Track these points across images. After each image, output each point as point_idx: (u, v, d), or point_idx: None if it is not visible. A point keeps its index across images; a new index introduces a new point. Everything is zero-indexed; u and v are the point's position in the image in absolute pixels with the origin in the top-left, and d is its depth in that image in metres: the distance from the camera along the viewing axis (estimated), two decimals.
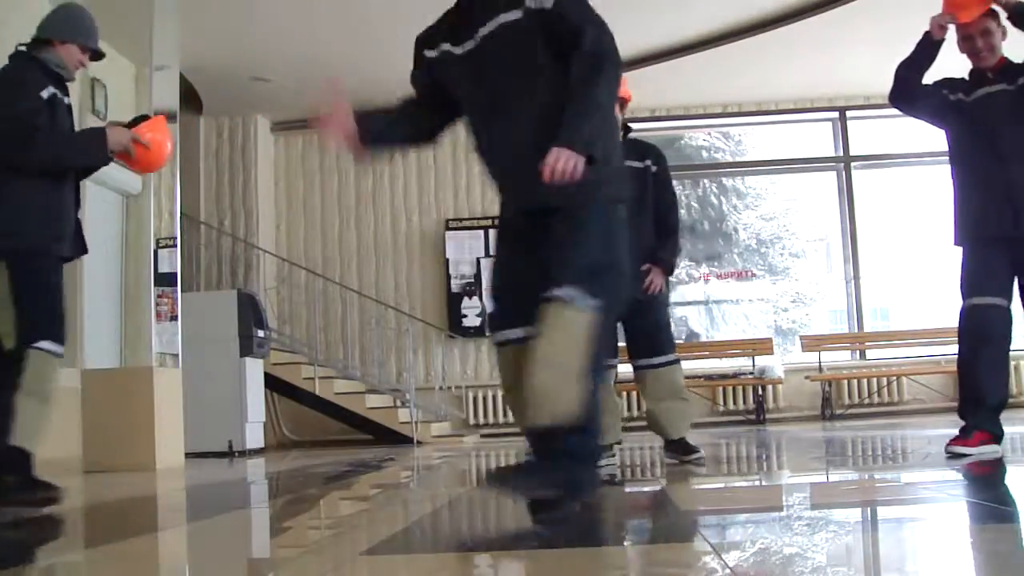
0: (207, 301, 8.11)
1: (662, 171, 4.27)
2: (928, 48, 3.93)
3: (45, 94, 3.61)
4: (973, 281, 3.83)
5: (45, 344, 3.49)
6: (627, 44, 9.13)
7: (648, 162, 4.23)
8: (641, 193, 4.08)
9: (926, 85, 3.95)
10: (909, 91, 3.95)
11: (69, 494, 3.46)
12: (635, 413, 9.03)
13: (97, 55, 3.95)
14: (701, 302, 11.49)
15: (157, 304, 6.21)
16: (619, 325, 4.13)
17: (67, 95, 3.81)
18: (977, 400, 3.75)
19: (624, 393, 8.65)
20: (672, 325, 4.33)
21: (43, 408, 3.49)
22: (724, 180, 12.30)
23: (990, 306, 3.77)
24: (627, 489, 3.55)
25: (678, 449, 4.15)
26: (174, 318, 6.28)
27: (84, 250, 3.83)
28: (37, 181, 3.57)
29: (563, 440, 2.17)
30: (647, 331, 4.18)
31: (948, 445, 3.73)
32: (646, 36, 8.49)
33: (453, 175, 10.23)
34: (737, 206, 12.42)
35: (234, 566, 2.02)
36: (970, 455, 3.62)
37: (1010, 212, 3.75)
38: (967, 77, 3.92)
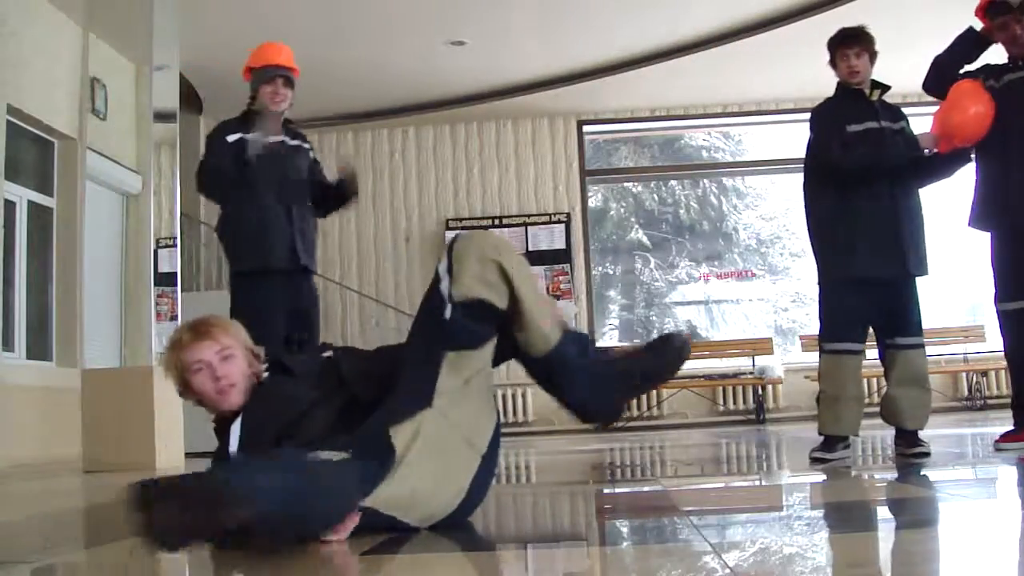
0: (207, 301, 8.10)
1: (910, 130, 3.93)
2: (969, 44, 3.88)
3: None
4: (998, 282, 3.85)
5: None
6: (628, 44, 9.09)
7: (903, 123, 3.91)
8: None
9: (965, 73, 3.90)
10: (942, 83, 3.88)
11: (69, 494, 3.46)
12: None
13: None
14: (701, 302, 11.49)
15: (157, 304, 6.21)
16: (865, 304, 3.82)
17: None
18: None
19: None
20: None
21: None
22: (724, 180, 12.31)
23: (1015, 311, 3.79)
24: (626, 489, 3.55)
25: (906, 440, 3.83)
26: (174, 318, 6.28)
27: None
28: None
29: None
30: (909, 308, 3.84)
31: (997, 441, 3.79)
32: (646, 36, 8.49)
33: (453, 175, 10.24)
34: (737, 206, 12.43)
35: (234, 566, 2.02)
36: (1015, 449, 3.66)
37: (1002, 206, 3.75)
38: (1007, 61, 3.87)
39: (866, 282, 3.77)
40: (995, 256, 3.87)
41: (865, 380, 9.00)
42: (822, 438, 3.86)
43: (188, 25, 6.82)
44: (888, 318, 3.83)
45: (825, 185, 3.85)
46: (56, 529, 2.82)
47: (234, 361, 2.33)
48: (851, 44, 3.86)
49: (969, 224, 3.93)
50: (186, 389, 2.35)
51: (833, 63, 3.92)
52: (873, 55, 3.88)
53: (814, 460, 3.80)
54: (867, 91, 3.87)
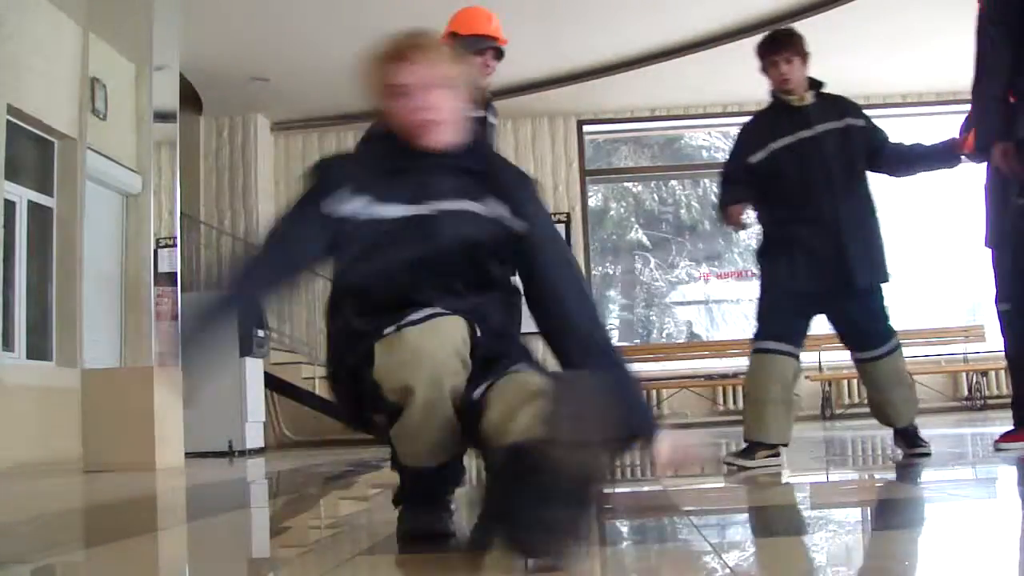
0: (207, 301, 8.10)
1: (867, 121, 3.81)
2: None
3: None
4: (999, 282, 3.85)
5: None
6: (628, 44, 9.09)
7: (848, 119, 3.71)
8: (848, 155, 3.66)
9: None
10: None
11: (69, 494, 3.46)
12: None
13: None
14: (701, 302, 11.48)
15: (157, 304, 6.21)
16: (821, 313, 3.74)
17: None
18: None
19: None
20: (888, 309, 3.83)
21: None
22: None
23: (1014, 311, 3.78)
24: (626, 489, 3.55)
25: (905, 439, 3.78)
26: (174, 318, 6.28)
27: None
28: None
29: None
30: (868, 320, 3.74)
31: (996, 441, 3.77)
32: (647, 36, 8.49)
33: None
34: None
35: (234, 566, 2.02)
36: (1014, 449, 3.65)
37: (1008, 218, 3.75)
38: None
39: (809, 296, 3.66)
40: (996, 257, 3.87)
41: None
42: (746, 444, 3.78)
43: (188, 25, 6.82)
44: (850, 332, 3.79)
45: (762, 212, 3.81)
46: (56, 529, 2.82)
47: (448, 93, 1.87)
48: (779, 50, 3.68)
49: (985, 244, 3.93)
50: (380, 107, 1.91)
51: (765, 71, 3.76)
52: (805, 57, 3.71)
53: (727, 464, 3.72)
54: (800, 96, 3.70)
